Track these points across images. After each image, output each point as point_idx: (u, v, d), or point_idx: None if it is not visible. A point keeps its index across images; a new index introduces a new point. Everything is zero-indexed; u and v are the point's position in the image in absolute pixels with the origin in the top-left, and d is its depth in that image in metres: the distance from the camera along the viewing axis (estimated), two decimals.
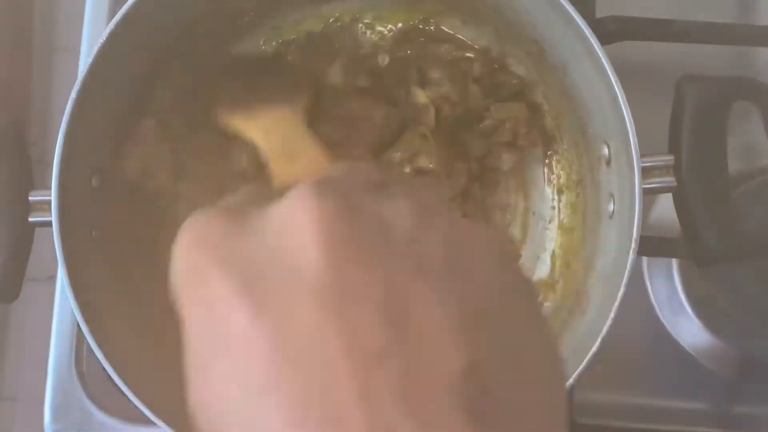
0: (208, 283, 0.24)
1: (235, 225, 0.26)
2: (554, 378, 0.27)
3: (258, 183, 0.37)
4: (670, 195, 0.52)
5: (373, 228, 0.24)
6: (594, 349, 0.49)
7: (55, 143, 0.50)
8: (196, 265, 0.25)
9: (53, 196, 0.50)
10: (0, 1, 1.15)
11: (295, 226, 0.24)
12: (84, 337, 0.68)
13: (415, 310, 0.23)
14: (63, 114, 0.50)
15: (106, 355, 0.50)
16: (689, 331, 0.71)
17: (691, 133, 0.51)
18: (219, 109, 0.57)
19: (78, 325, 0.68)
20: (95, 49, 0.51)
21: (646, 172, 0.50)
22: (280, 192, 0.26)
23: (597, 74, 0.51)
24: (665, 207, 0.72)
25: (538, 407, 0.24)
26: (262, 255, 0.24)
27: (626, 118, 0.49)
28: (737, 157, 0.71)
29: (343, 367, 0.21)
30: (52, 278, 0.72)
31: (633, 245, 0.48)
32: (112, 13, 0.73)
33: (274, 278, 0.23)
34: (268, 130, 0.52)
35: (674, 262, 0.72)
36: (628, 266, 0.48)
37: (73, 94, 0.51)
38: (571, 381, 0.50)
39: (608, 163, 0.55)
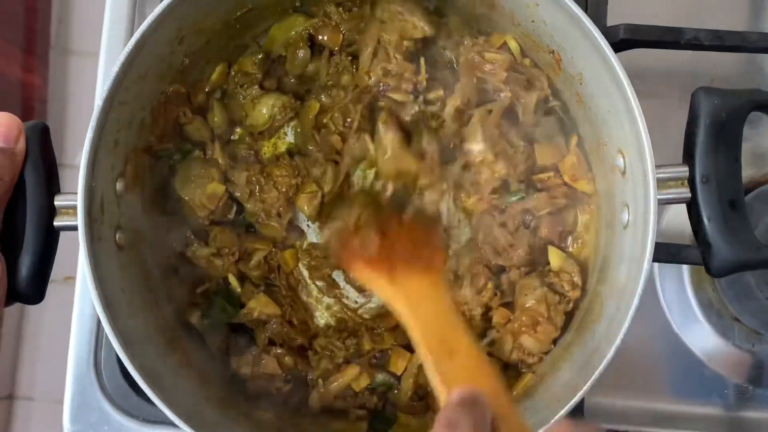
0: None
1: None
2: None
3: None
4: None
5: None
6: (607, 359, 0.50)
7: (71, 145, 0.51)
8: None
9: (79, 201, 0.51)
10: (19, 4, 1.16)
11: None
12: (102, 340, 0.70)
13: None
14: (79, 116, 0.51)
15: (130, 358, 0.50)
16: (700, 336, 0.72)
17: (706, 145, 0.51)
18: (355, 265, 0.57)
19: (97, 328, 0.70)
20: (122, 56, 0.52)
21: (660, 183, 0.51)
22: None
23: (612, 84, 0.52)
24: (676, 214, 0.72)
25: None
26: None
27: (641, 128, 0.50)
28: (749, 162, 0.71)
29: None
30: (70, 279, 0.73)
31: (648, 255, 0.49)
32: (131, 18, 0.74)
33: None
34: (415, 302, 0.51)
35: (685, 267, 0.72)
36: (642, 279, 0.49)
37: (98, 101, 0.52)
38: (584, 391, 0.50)
39: (623, 173, 0.55)
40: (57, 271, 0.57)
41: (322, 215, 0.66)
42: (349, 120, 0.65)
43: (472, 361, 0.47)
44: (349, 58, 0.65)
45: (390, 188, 0.62)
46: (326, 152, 0.65)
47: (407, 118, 0.64)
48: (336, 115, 0.65)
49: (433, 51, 0.65)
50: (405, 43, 0.63)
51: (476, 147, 0.63)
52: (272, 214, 0.64)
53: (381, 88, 0.64)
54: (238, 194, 0.64)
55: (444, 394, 0.44)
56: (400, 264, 0.54)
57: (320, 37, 0.65)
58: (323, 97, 0.65)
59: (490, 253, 0.64)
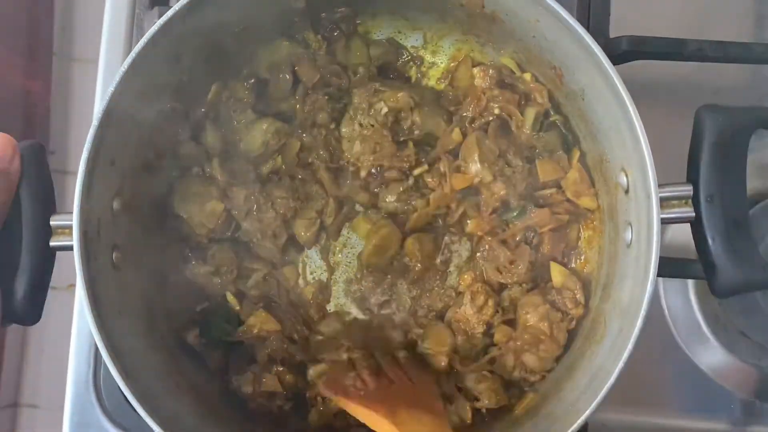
0: None
1: None
2: None
3: None
4: None
5: None
6: (610, 382, 0.49)
7: (75, 151, 0.50)
8: None
9: (75, 221, 0.51)
10: (21, 12, 1.16)
11: None
12: (101, 357, 0.69)
13: None
14: (82, 124, 0.51)
15: (126, 380, 0.50)
16: (706, 350, 0.71)
17: (710, 164, 0.50)
18: (352, 402, 0.56)
19: (95, 346, 0.69)
20: (117, 75, 0.51)
21: (664, 201, 0.50)
22: None
23: (614, 101, 0.51)
24: (681, 228, 0.71)
25: None
26: None
27: (644, 148, 0.49)
28: (754, 174, 0.70)
29: None
30: (72, 286, 0.72)
31: (651, 277, 0.48)
32: (130, 25, 0.73)
33: None
34: None
35: (690, 282, 0.71)
36: (646, 301, 0.48)
37: (95, 120, 0.51)
38: (587, 414, 0.50)
39: (626, 191, 0.54)
40: (60, 279, 0.57)
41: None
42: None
43: None
44: (325, 97, 0.65)
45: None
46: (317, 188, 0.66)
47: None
48: (321, 152, 0.65)
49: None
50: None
51: (473, 168, 0.62)
52: (267, 235, 0.63)
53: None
54: (235, 212, 0.63)
55: None
56: (401, 406, 0.54)
57: (296, 68, 0.65)
58: (304, 136, 0.65)
59: (490, 270, 0.63)
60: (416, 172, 0.64)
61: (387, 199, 0.65)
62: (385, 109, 0.63)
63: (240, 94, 0.64)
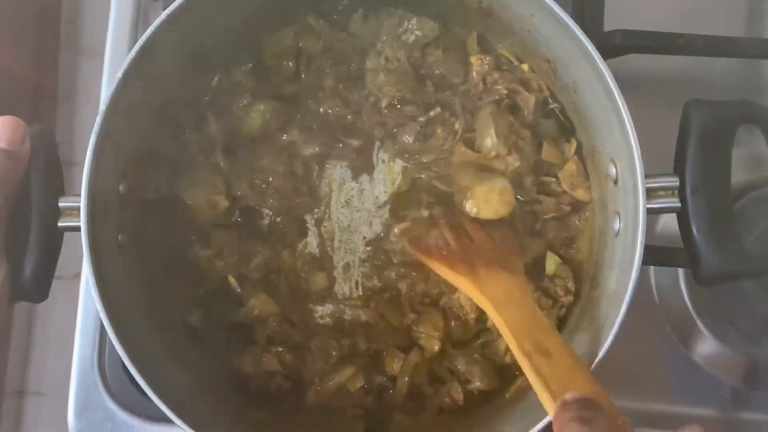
0: None
1: None
2: None
3: None
4: None
5: None
6: (595, 363, 0.51)
7: (81, 142, 0.52)
8: None
9: (82, 203, 0.52)
10: (28, 3, 1.18)
11: None
12: (106, 340, 0.71)
13: None
14: (88, 114, 0.52)
15: (130, 357, 0.52)
16: (695, 339, 0.73)
17: (696, 156, 0.52)
18: (434, 260, 0.58)
19: (101, 328, 0.71)
20: (124, 63, 0.53)
21: (651, 192, 0.51)
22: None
23: (604, 95, 0.53)
24: (672, 218, 0.73)
25: None
26: None
27: (632, 140, 0.50)
28: (745, 166, 0.72)
29: None
30: (77, 276, 0.74)
31: (636, 265, 0.50)
32: (135, 17, 0.75)
33: None
34: (500, 304, 0.52)
35: (681, 271, 0.73)
36: (630, 287, 0.49)
37: (102, 107, 0.53)
38: None
39: (615, 182, 0.56)
40: (66, 268, 0.58)
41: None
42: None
43: (568, 360, 0.47)
44: (329, 61, 0.66)
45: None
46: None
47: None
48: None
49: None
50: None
51: (489, 142, 0.63)
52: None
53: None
54: (240, 193, 0.65)
55: (548, 396, 0.45)
56: (480, 265, 0.55)
57: (300, 44, 0.66)
58: (311, 102, 0.66)
59: None
60: (432, 113, 0.66)
61: (405, 139, 0.66)
62: (412, 38, 0.65)
63: (240, 79, 0.66)
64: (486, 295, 0.54)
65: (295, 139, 0.66)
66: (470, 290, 0.55)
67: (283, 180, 0.66)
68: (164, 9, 0.53)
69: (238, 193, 0.65)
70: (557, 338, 0.50)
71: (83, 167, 0.52)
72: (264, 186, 0.66)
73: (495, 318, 0.52)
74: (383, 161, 0.68)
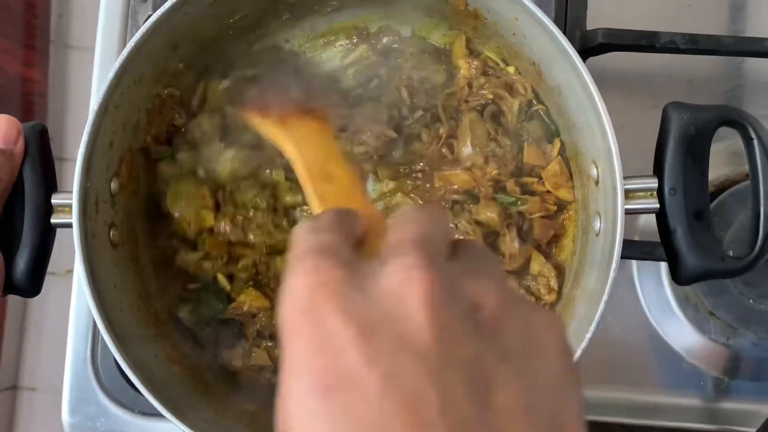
0: (323, 324, 0.30)
1: (352, 280, 0.31)
2: None
3: (337, 209, 0.40)
4: None
5: (467, 309, 0.30)
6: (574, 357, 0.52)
7: (71, 138, 0.52)
8: (314, 308, 0.30)
9: (74, 200, 0.53)
10: (18, 0, 1.18)
11: (403, 296, 0.29)
12: (99, 336, 0.72)
13: (498, 394, 0.28)
14: (79, 111, 0.53)
15: (121, 352, 0.53)
16: (677, 330, 0.74)
17: (674, 158, 0.53)
18: (249, 111, 0.58)
19: (93, 324, 0.72)
20: (116, 63, 0.54)
21: (630, 193, 0.53)
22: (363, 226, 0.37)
23: (585, 97, 0.54)
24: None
25: None
26: (374, 313, 0.29)
27: (610, 139, 0.52)
28: (725, 161, 0.73)
29: (441, 426, 0.26)
30: (70, 272, 0.75)
31: (614, 264, 0.51)
32: (125, 14, 0.75)
33: (384, 335, 0.29)
34: (300, 141, 0.53)
35: (663, 265, 0.74)
36: (608, 285, 0.51)
37: (93, 105, 0.54)
38: None
39: (597, 182, 0.57)
40: (59, 264, 0.59)
41: None
42: None
43: (347, 182, 0.48)
44: None
45: None
46: None
47: None
48: None
49: None
50: None
51: (465, 151, 0.65)
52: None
53: None
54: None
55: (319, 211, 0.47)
56: (291, 116, 0.56)
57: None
58: None
59: None
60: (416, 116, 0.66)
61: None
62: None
63: (205, 127, 0.65)
64: (289, 134, 0.55)
65: (280, 179, 0.67)
66: (274, 131, 0.56)
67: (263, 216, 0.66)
68: (153, 9, 0.54)
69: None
70: (344, 168, 0.50)
71: (74, 163, 0.53)
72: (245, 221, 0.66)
73: (291, 152, 0.53)
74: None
